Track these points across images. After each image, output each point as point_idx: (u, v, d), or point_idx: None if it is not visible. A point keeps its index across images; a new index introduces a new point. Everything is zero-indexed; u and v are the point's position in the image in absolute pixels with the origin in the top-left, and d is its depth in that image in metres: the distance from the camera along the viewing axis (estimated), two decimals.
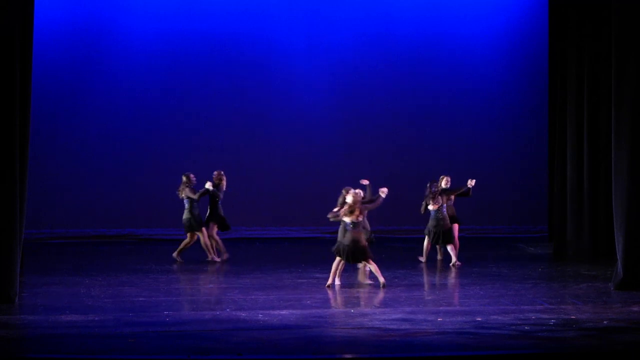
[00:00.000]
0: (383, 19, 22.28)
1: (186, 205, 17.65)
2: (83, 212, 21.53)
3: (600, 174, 18.01)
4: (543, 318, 11.76)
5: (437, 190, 17.13)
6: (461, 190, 17.40)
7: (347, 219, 14.32)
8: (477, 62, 22.48)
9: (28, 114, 13.11)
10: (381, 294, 13.83)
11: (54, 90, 21.35)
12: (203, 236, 17.62)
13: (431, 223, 17.13)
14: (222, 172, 17.85)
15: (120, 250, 19.94)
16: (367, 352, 10.23)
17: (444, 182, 17.34)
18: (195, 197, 17.52)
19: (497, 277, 15.45)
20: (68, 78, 21.50)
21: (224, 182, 17.80)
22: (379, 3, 22.34)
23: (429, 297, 13.91)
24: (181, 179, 17.82)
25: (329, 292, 14.11)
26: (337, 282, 14.52)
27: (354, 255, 14.35)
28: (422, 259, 17.25)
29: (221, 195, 17.70)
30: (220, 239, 17.89)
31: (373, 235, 15.75)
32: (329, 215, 14.72)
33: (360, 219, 14.35)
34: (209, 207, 17.67)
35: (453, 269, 16.62)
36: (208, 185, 17.49)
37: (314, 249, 16.95)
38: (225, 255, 17.79)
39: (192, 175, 17.80)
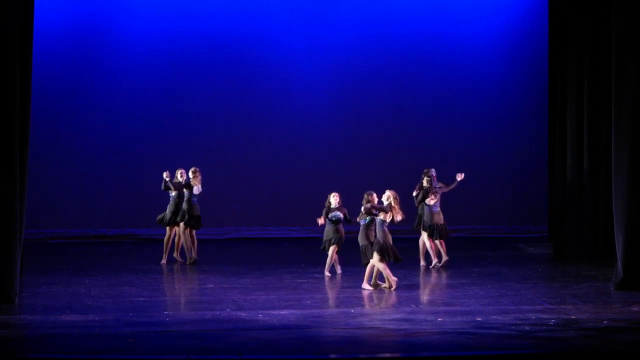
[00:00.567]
0: (383, 19, 22.25)
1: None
2: (83, 212, 21.51)
3: (600, 174, 17.99)
4: (543, 318, 11.76)
5: (440, 186, 17.05)
6: (453, 186, 17.25)
7: (386, 219, 14.20)
8: (477, 62, 22.45)
9: (28, 114, 13.12)
10: (382, 294, 13.83)
11: (54, 90, 21.32)
12: (177, 233, 17.56)
13: (427, 217, 16.98)
14: (198, 169, 17.64)
15: (120, 250, 19.93)
16: (367, 352, 10.23)
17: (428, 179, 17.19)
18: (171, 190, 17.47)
19: (497, 277, 15.45)
20: (68, 78, 21.47)
21: (198, 180, 17.52)
22: (379, 3, 22.31)
23: (429, 297, 13.92)
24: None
25: (329, 292, 14.12)
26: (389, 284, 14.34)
27: (394, 253, 14.30)
28: (436, 260, 16.87)
29: (195, 192, 17.49)
30: (197, 239, 17.76)
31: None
32: (365, 208, 14.42)
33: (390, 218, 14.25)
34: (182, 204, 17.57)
35: (435, 269, 16.52)
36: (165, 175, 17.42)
37: (314, 249, 16.91)
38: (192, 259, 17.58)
39: (180, 172, 17.63)
